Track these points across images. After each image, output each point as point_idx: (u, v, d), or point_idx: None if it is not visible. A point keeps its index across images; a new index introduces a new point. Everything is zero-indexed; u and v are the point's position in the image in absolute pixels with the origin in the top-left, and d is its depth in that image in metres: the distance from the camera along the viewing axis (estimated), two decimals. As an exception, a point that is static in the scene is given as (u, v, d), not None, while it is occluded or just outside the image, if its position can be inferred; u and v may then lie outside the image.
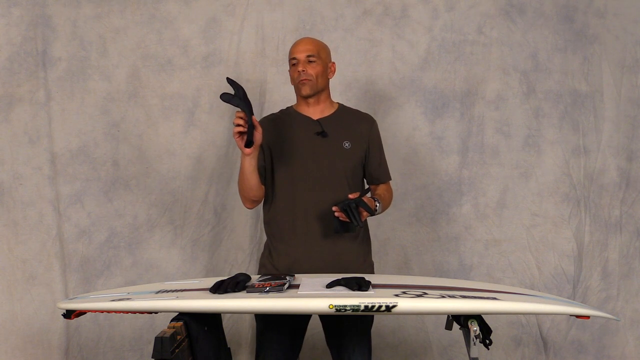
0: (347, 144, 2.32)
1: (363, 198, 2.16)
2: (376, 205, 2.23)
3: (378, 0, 3.16)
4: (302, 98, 2.35)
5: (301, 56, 2.30)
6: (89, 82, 3.08)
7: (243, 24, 3.13)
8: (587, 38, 3.21)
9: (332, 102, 2.41)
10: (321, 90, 2.35)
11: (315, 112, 2.36)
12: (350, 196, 2.15)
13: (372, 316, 2.31)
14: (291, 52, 2.34)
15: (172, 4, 3.11)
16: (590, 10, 3.20)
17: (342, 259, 2.27)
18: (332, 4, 3.16)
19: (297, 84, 2.32)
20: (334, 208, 2.15)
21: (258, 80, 3.14)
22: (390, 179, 2.47)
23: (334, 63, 2.40)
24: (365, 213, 2.16)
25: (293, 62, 2.32)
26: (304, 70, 2.29)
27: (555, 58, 3.20)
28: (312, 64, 2.30)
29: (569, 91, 3.20)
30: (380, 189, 2.41)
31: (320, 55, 2.33)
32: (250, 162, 2.20)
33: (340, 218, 2.14)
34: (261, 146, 2.33)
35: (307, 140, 2.31)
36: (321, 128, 2.32)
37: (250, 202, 2.37)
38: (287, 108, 2.43)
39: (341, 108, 2.42)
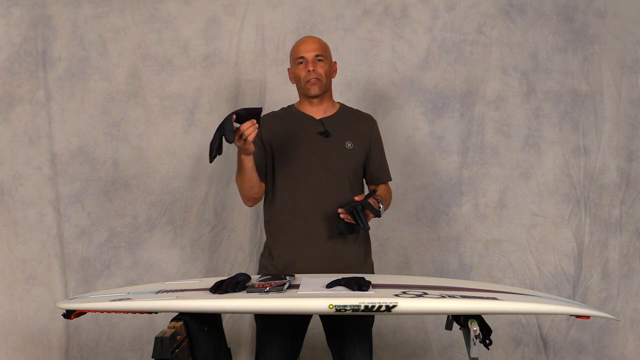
0: (349, 144, 2.32)
1: (368, 200, 2.16)
2: (380, 207, 2.23)
3: (378, 0, 3.16)
4: (308, 97, 2.34)
5: (310, 55, 2.29)
6: (89, 82, 3.08)
7: (243, 24, 3.13)
8: (587, 38, 3.21)
9: (333, 102, 2.41)
10: (327, 90, 2.35)
11: (318, 111, 2.35)
12: (356, 198, 2.15)
13: (373, 316, 2.31)
14: (298, 50, 2.32)
15: (172, 4, 3.11)
16: (590, 10, 3.20)
17: (342, 259, 2.27)
18: (332, 4, 3.16)
19: (306, 83, 2.30)
20: (339, 210, 2.14)
21: (258, 80, 3.14)
22: (390, 179, 2.47)
23: (335, 62, 2.41)
24: (371, 215, 2.16)
25: (300, 61, 2.30)
26: (314, 70, 2.28)
27: (555, 58, 3.20)
28: (320, 63, 2.30)
29: (569, 91, 3.21)
30: (381, 189, 2.40)
31: (327, 54, 2.34)
32: (250, 159, 2.18)
33: (346, 220, 2.14)
34: (262, 144, 2.33)
35: (310, 139, 2.31)
36: (324, 128, 2.31)
37: (251, 201, 2.36)
38: (289, 106, 2.43)
39: (343, 108, 2.42)
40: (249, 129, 2.03)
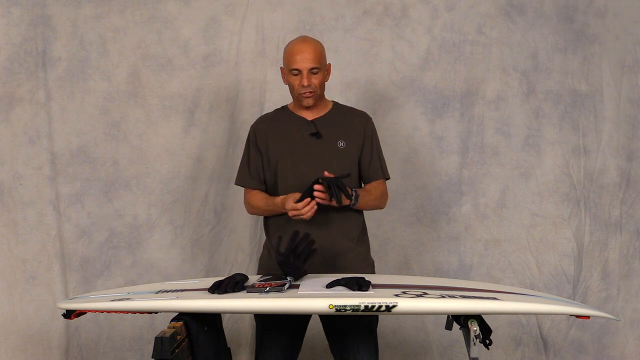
0: (341, 144, 2.32)
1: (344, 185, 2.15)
2: (352, 194, 2.22)
3: (378, 0, 3.16)
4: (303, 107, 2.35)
5: (305, 68, 2.25)
6: (89, 82, 3.08)
7: (243, 24, 3.13)
8: (587, 38, 3.21)
9: (326, 102, 2.41)
10: (321, 97, 2.36)
11: (311, 112, 2.36)
12: (326, 173, 2.14)
13: (377, 316, 2.30)
14: (293, 60, 2.27)
15: (172, 4, 3.11)
16: (590, 10, 3.20)
17: (342, 259, 2.27)
18: (332, 4, 3.16)
19: (299, 95, 2.30)
20: (316, 187, 2.14)
21: (258, 80, 3.14)
22: (381, 177, 2.42)
23: (329, 64, 2.38)
24: (345, 200, 2.16)
25: (295, 73, 2.27)
26: (308, 85, 2.26)
27: (555, 58, 3.20)
28: (315, 75, 2.27)
29: (569, 91, 3.20)
30: (370, 185, 2.39)
31: (322, 62, 2.30)
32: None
33: (318, 199, 2.14)
34: (258, 150, 2.35)
35: (302, 141, 2.32)
36: (315, 129, 2.32)
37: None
38: (282, 108, 2.44)
39: (335, 106, 2.42)
40: (310, 212, 2.15)
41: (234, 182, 2.47)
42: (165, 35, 3.10)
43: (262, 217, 2.43)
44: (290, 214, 2.17)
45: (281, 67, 2.39)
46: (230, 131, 3.12)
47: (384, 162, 2.44)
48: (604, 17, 3.20)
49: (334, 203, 2.14)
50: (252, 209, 2.42)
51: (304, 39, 2.36)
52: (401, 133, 3.17)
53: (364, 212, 2.41)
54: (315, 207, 2.15)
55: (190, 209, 3.12)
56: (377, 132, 2.45)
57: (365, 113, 2.45)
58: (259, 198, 2.37)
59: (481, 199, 3.19)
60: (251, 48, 3.14)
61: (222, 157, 3.13)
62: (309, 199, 2.14)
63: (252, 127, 2.43)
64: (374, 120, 2.46)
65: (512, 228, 3.20)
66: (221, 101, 3.13)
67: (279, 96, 3.04)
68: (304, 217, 2.15)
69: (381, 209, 2.45)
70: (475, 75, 3.18)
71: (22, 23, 3.04)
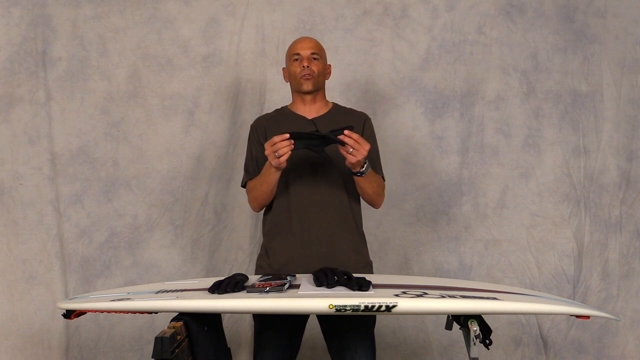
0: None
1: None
2: (365, 163, 2.16)
3: (378, 0, 3.16)
4: (300, 95, 2.36)
5: (305, 52, 2.33)
6: (89, 82, 3.08)
7: (243, 24, 3.13)
8: (587, 38, 3.21)
9: (327, 102, 2.43)
10: (319, 88, 2.37)
11: (311, 111, 2.37)
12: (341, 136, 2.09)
13: (375, 316, 2.30)
14: (294, 47, 2.36)
15: (172, 4, 3.11)
16: (590, 10, 3.21)
17: (339, 259, 2.27)
18: (332, 4, 3.16)
19: (300, 79, 2.33)
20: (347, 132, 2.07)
21: (258, 80, 3.14)
22: (380, 174, 2.39)
23: (330, 65, 2.44)
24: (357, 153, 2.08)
25: (295, 58, 2.34)
26: (308, 66, 2.32)
27: (555, 58, 3.20)
28: (315, 61, 2.34)
29: (569, 91, 3.21)
30: None
31: (322, 54, 2.38)
32: (279, 174, 2.20)
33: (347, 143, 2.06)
34: (261, 144, 2.35)
35: None
36: (315, 127, 2.32)
37: (261, 207, 2.36)
38: (282, 108, 2.45)
39: (336, 107, 2.43)
40: (284, 148, 2.06)
41: (241, 183, 2.40)
42: (165, 35, 3.10)
43: (262, 217, 2.42)
44: (267, 150, 2.09)
45: (283, 68, 2.43)
46: (230, 131, 3.12)
47: (380, 163, 2.41)
48: (604, 17, 3.21)
49: (353, 156, 2.07)
50: (253, 194, 2.33)
51: (306, 35, 2.52)
52: (401, 133, 3.17)
53: (362, 212, 2.40)
54: (292, 147, 2.07)
55: (190, 209, 3.12)
56: (377, 132, 2.45)
57: (364, 113, 2.46)
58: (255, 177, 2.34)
59: (481, 199, 3.19)
60: (251, 48, 3.14)
61: (222, 157, 3.13)
62: (288, 135, 2.06)
63: (252, 125, 2.43)
64: (373, 120, 2.46)
65: (512, 228, 3.20)
66: (221, 101, 3.13)
67: (279, 96, 3.04)
68: (279, 153, 2.06)
69: (376, 204, 2.40)
70: (475, 75, 3.19)
71: (22, 23, 3.04)
